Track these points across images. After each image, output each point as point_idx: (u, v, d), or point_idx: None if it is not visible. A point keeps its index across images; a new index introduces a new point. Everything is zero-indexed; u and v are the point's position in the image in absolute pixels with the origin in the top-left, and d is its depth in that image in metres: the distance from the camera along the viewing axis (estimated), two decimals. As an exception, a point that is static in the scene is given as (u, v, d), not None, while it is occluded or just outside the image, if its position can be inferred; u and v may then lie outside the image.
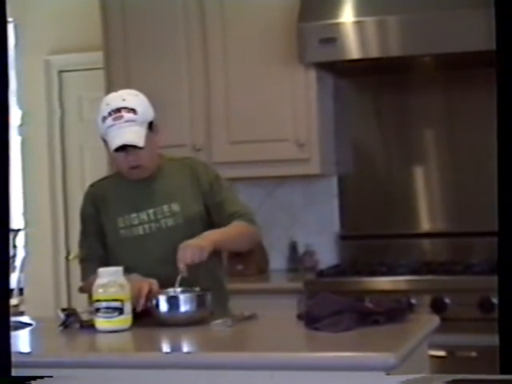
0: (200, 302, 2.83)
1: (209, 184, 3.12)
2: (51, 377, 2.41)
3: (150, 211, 3.07)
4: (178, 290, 2.86)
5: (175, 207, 3.07)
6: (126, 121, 2.96)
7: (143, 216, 3.07)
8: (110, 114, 2.98)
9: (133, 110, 2.98)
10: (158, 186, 3.11)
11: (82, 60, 5.32)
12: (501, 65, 1.99)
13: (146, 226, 3.08)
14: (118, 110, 2.97)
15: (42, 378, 2.39)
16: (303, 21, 4.22)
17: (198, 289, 2.88)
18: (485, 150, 4.50)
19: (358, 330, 2.57)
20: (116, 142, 2.96)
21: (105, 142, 3.04)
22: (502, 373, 2.00)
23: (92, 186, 3.25)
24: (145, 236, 3.08)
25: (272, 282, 4.42)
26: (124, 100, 3.00)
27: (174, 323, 2.79)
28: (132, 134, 2.96)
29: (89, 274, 3.08)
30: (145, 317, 2.83)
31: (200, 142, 4.51)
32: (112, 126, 2.97)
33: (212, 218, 3.12)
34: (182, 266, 2.84)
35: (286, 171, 4.46)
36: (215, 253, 3.04)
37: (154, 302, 2.80)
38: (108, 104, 3.01)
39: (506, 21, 1.97)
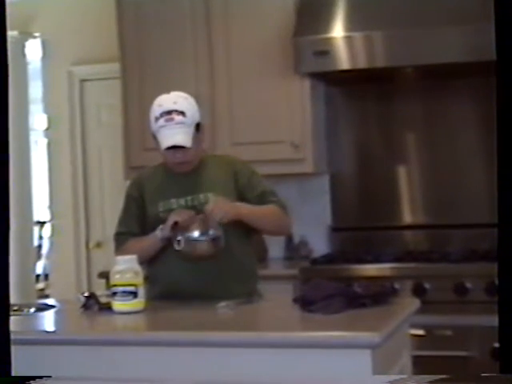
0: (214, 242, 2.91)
1: (247, 178, 3.10)
2: (50, 377, 2.39)
3: (188, 198, 3.05)
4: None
5: (210, 196, 3.03)
6: (177, 123, 2.95)
7: (181, 202, 3.05)
8: (161, 116, 2.96)
9: (182, 113, 2.96)
10: (198, 177, 3.09)
11: (100, 70, 5.31)
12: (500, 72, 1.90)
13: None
14: (170, 112, 2.95)
15: (40, 377, 2.35)
16: (299, 35, 4.21)
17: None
18: (460, 150, 4.50)
19: (347, 312, 2.58)
20: (168, 143, 2.96)
21: (154, 137, 3.02)
22: (501, 372, 1.90)
23: (139, 173, 3.26)
24: None
25: (270, 268, 4.40)
26: (175, 103, 2.97)
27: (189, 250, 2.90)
28: (181, 135, 2.95)
29: (122, 245, 3.12)
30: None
31: (206, 143, 4.48)
32: (163, 126, 2.95)
33: None
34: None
35: (283, 170, 4.45)
36: (245, 234, 3.08)
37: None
38: (160, 105, 2.99)
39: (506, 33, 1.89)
